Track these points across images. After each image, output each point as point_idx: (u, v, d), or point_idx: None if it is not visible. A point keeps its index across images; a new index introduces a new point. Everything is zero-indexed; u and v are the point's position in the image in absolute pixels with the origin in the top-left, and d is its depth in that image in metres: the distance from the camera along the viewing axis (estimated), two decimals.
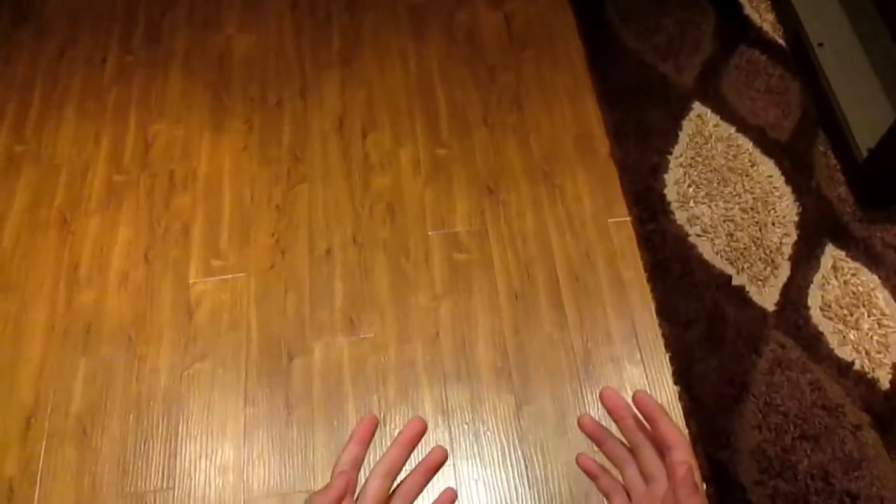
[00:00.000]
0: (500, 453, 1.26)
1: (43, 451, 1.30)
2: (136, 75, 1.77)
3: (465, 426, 1.29)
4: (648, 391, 1.28)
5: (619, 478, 0.60)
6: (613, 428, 0.61)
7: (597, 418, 0.63)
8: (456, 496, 0.60)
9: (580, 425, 0.63)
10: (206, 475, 1.27)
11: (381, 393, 1.33)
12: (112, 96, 1.73)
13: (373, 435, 0.59)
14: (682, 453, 0.54)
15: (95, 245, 1.52)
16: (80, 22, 1.87)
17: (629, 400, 0.60)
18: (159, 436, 1.31)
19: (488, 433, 1.28)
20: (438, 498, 0.61)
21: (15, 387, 1.37)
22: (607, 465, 0.62)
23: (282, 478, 1.26)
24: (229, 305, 1.43)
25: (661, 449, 0.56)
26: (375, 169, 1.59)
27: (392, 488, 0.59)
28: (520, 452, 1.26)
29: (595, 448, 0.62)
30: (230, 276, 1.47)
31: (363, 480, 0.58)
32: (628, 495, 0.58)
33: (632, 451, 0.59)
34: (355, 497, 0.56)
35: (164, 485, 1.26)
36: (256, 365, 1.37)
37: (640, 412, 0.58)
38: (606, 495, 0.60)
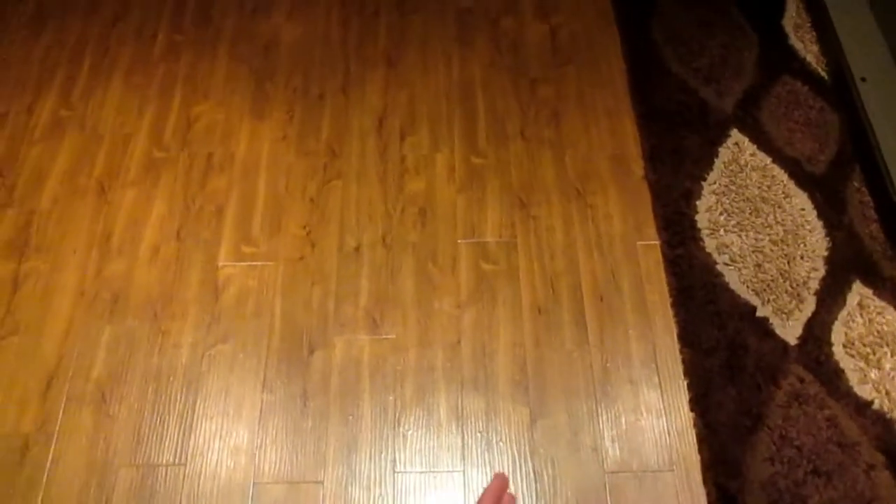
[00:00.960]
0: (510, 464, 1.27)
1: (61, 412, 1.33)
2: (185, 54, 1.79)
3: (479, 434, 1.30)
4: (662, 415, 1.29)
5: None
6: None
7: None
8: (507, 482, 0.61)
9: None
10: (217, 455, 1.29)
11: (397, 393, 1.34)
12: (160, 72, 1.76)
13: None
14: None
15: (130, 217, 1.55)
16: None
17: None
18: (175, 411, 1.33)
19: (500, 443, 1.29)
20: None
21: (40, 345, 1.40)
22: None
23: (292, 466, 1.27)
24: (256, 291, 1.45)
25: None
26: (411, 172, 1.60)
27: None
28: (530, 465, 1.27)
29: None
30: (259, 262, 1.48)
31: None
32: None
33: None
34: None
35: (176, 460, 1.28)
36: (277, 353, 1.38)
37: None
38: None
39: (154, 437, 1.31)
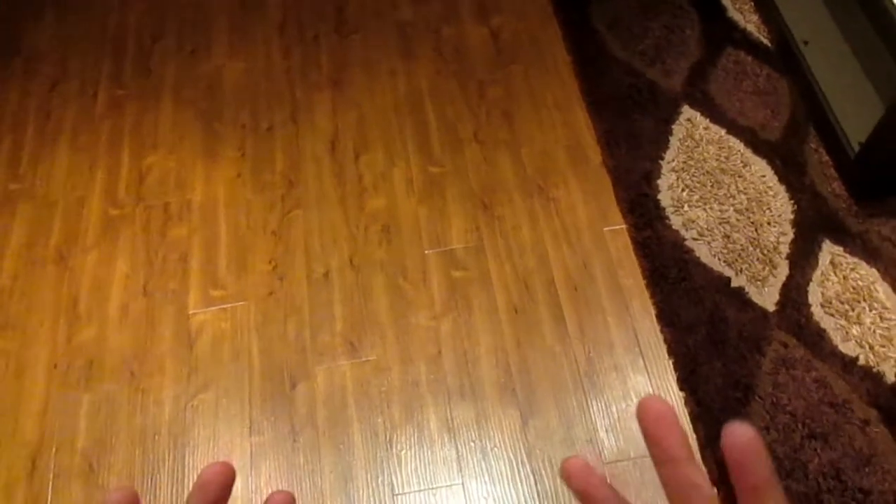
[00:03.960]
0: (508, 469, 1.26)
1: (50, 491, 1.29)
2: (128, 107, 1.77)
3: (472, 444, 1.28)
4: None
5: None
6: None
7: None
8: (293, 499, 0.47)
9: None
10: None
11: (385, 414, 1.32)
12: (105, 129, 1.74)
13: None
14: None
15: (93, 280, 1.52)
16: (70, 55, 1.88)
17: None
18: (166, 469, 1.31)
19: (496, 449, 1.28)
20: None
21: (19, 426, 1.36)
22: None
23: None
24: (230, 334, 1.43)
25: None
26: (369, 190, 1.59)
27: None
28: (528, 467, 1.25)
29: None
30: (230, 304, 1.46)
31: None
32: None
33: None
34: None
35: None
36: (260, 392, 1.36)
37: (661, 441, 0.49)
38: None
39: (148, 499, 1.28)
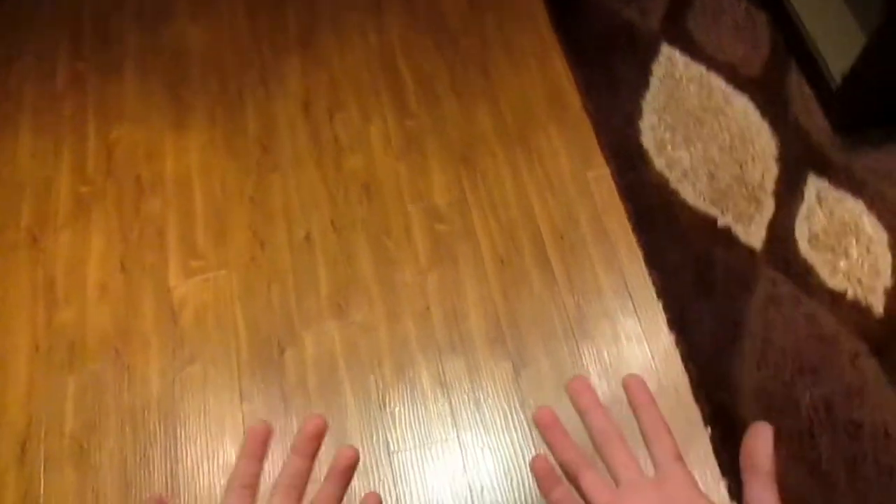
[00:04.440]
0: (502, 419, 1.25)
1: (42, 475, 1.28)
2: (90, 80, 1.71)
3: (465, 396, 1.27)
4: (643, 341, 1.28)
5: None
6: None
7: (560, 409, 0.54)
8: (380, 501, 0.52)
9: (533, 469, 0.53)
10: (209, 477, 1.26)
11: (377, 374, 1.31)
12: (67, 105, 1.68)
13: (266, 447, 0.50)
14: (673, 438, 0.49)
15: (69, 261, 1.49)
16: (25, 31, 1.81)
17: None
18: (158, 444, 1.29)
19: (489, 400, 1.27)
20: (336, 460, 0.52)
21: (5, 412, 1.34)
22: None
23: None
24: (213, 305, 1.40)
25: (646, 435, 0.49)
26: (346, 149, 1.55)
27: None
28: (522, 416, 1.25)
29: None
30: (211, 274, 1.44)
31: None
32: None
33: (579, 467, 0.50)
34: None
35: (169, 492, 1.25)
36: (248, 361, 1.34)
37: (630, 396, 0.52)
38: None
39: (142, 476, 1.27)
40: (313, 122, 1.59)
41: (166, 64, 1.72)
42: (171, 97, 1.67)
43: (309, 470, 0.50)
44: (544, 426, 0.52)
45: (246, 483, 0.49)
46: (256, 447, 0.50)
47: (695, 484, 0.46)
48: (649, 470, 0.48)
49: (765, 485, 0.45)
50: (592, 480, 0.48)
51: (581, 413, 0.51)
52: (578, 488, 0.49)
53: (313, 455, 0.50)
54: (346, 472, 0.51)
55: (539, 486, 0.51)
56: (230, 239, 1.47)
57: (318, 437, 0.50)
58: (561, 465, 0.50)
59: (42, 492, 1.26)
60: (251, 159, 1.56)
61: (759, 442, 0.46)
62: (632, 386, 0.52)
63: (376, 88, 1.62)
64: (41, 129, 1.66)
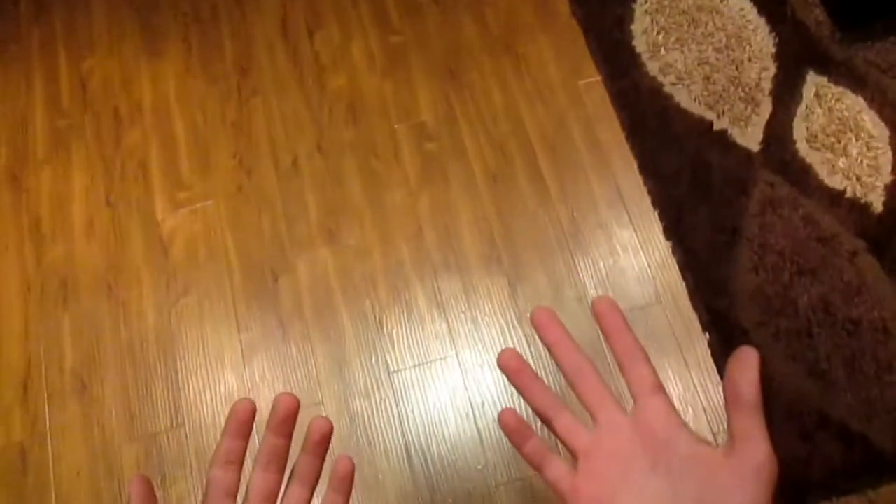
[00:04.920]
0: (500, 336, 1.25)
1: (47, 411, 1.28)
2: (55, 10, 1.63)
3: (462, 315, 1.27)
4: (640, 251, 1.27)
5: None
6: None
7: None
8: (353, 465, 0.50)
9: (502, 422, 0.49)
10: (212, 407, 1.27)
11: (372, 297, 1.30)
12: (35, 37, 1.61)
13: (250, 425, 0.49)
14: (650, 366, 0.46)
15: (52, 198, 1.46)
16: None
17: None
18: (159, 376, 1.29)
19: (486, 318, 1.26)
20: (333, 470, 0.51)
21: (3, 354, 1.34)
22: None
23: None
24: (203, 235, 1.38)
25: (621, 364, 0.47)
26: (328, 69, 1.50)
27: (287, 477, 0.50)
28: (519, 332, 1.25)
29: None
30: (198, 205, 1.41)
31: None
32: (571, 452, 0.47)
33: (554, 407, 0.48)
34: (243, 499, 0.48)
35: (174, 423, 1.26)
36: (242, 290, 1.33)
37: (601, 323, 0.48)
38: (538, 466, 0.47)
39: (146, 408, 1.27)
40: (292, 41, 1.53)
41: None
42: (142, 23, 1.59)
43: (286, 446, 0.49)
44: (512, 372, 0.48)
45: (231, 459, 0.48)
46: (240, 426, 0.48)
47: (676, 416, 0.44)
48: (628, 403, 0.46)
49: (750, 416, 0.41)
50: (567, 425, 0.47)
51: (549, 347, 0.48)
52: (554, 433, 0.47)
53: (289, 434, 0.49)
54: (322, 442, 0.49)
55: (511, 441, 0.48)
56: (215, 168, 1.44)
57: (290, 417, 0.49)
58: (534, 411, 0.48)
59: (48, 427, 1.27)
60: (230, 84, 1.51)
61: (744, 370, 0.42)
62: (602, 310, 0.47)
63: (356, 2, 1.55)
64: (9, 63, 1.59)
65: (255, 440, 0.48)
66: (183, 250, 1.38)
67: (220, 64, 1.53)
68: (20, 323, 1.36)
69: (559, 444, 0.47)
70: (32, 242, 1.42)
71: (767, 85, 1.40)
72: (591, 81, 1.42)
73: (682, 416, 0.44)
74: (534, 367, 0.48)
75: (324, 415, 1.22)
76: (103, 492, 1.22)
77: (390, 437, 1.21)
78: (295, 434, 0.50)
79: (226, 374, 1.28)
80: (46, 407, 1.29)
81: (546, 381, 0.48)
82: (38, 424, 1.28)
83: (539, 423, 0.49)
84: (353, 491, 1.11)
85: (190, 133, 1.48)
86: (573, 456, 0.46)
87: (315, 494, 0.50)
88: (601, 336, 0.47)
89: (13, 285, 1.39)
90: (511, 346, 1.24)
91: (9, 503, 1.23)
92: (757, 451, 0.40)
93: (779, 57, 1.41)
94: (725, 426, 0.44)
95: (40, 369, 1.32)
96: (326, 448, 0.50)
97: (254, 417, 0.49)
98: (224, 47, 1.55)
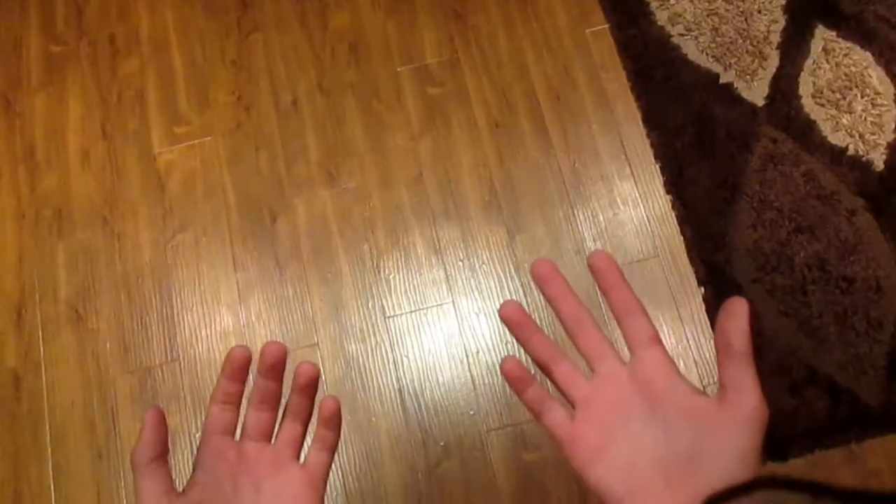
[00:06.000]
0: (497, 284, 1.26)
1: (41, 340, 1.29)
2: None
3: (460, 263, 1.27)
4: (640, 204, 1.27)
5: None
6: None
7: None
8: (338, 404, 0.51)
9: (504, 369, 0.49)
10: (207, 343, 1.27)
11: (370, 241, 1.30)
12: None
13: (245, 371, 0.50)
14: (646, 318, 0.46)
15: (47, 125, 1.43)
16: None
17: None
18: (154, 310, 1.30)
19: (484, 266, 1.27)
20: (319, 411, 0.52)
21: None
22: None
23: (284, 335, 1.26)
24: (201, 172, 1.37)
25: (619, 318, 0.47)
26: (331, 6, 1.46)
27: (280, 416, 0.52)
28: (517, 281, 1.25)
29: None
30: (196, 141, 1.39)
31: None
32: (570, 400, 0.47)
33: (553, 360, 0.48)
34: (240, 435, 0.50)
35: (168, 357, 1.27)
36: (240, 229, 1.33)
37: (598, 278, 0.47)
38: (537, 413, 0.48)
39: (141, 341, 1.28)
40: None
41: None
42: None
43: (278, 388, 0.51)
44: (514, 324, 0.49)
45: (228, 399, 0.50)
46: (234, 372, 0.49)
47: (673, 367, 0.45)
48: (626, 353, 0.47)
49: (741, 366, 0.42)
50: (566, 373, 0.47)
51: (549, 300, 0.48)
52: (553, 382, 0.48)
53: (279, 377, 0.50)
54: (309, 385, 0.51)
55: (512, 388, 0.48)
56: (214, 104, 1.41)
57: (278, 365, 0.50)
58: (534, 361, 0.49)
59: (42, 355, 1.28)
60: (230, 18, 1.47)
61: (735, 321, 0.42)
62: (598, 265, 0.47)
63: None
64: None
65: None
66: (180, 186, 1.36)
67: None
68: (14, 250, 1.35)
69: (558, 394, 0.48)
70: (26, 169, 1.40)
71: (776, 38, 1.38)
72: (599, 30, 1.40)
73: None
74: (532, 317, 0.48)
75: (316, 358, 1.24)
76: (97, 422, 1.23)
77: (384, 380, 1.22)
78: (288, 376, 0.51)
79: (221, 312, 1.29)
80: (41, 335, 1.29)
81: (545, 332, 0.48)
82: (32, 353, 1.28)
83: (539, 374, 0.49)
84: (347, 432, 1.13)
85: (188, 67, 1.44)
86: (572, 405, 0.47)
87: (308, 433, 0.52)
88: (597, 289, 0.47)
89: (7, 211, 1.38)
90: (508, 294, 1.25)
91: (3, 428, 1.25)
92: (748, 399, 0.41)
93: (789, 9, 1.39)
94: (716, 379, 0.45)
95: (34, 298, 1.32)
96: (315, 389, 0.51)
97: (248, 364, 0.50)
98: None
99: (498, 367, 1.21)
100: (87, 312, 1.30)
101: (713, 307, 1.20)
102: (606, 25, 1.40)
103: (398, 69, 1.40)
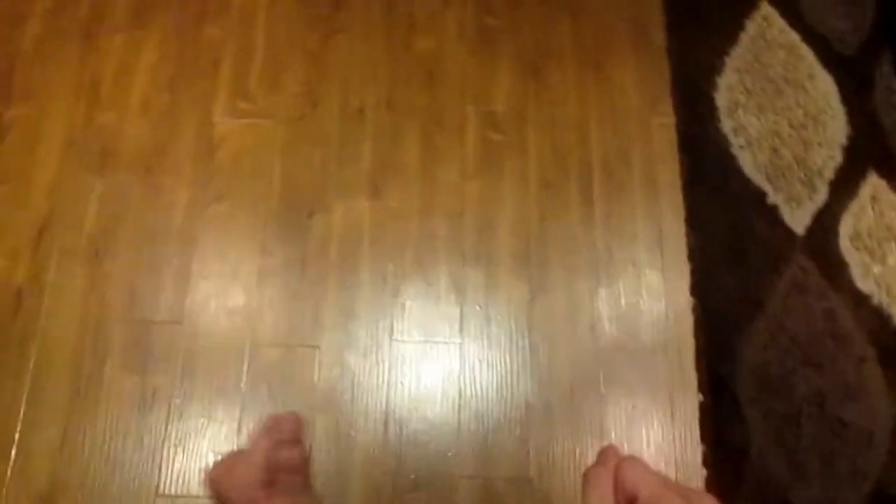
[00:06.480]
0: (507, 338, 1.27)
1: (54, 265, 1.30)
2: None
3: (478, 307, 1.29)
4: (662, 298, 1.29)
5: None
6: None
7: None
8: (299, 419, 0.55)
9: None
10: (214, 315, 1.28)
11: (396, 262, 1.32)
12: None
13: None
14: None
15: (119, 65, 1.46)
16: None
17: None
18: (171, 269, 1.31)
19: (499, 317, 1.28)
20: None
21: (29, 194, 1.35)
22: None
23: (289, 329, 1.27)
24: (253, 150, 1.39)
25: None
26: (419, 29, 1.49)
27: None
28: (527, 340, 1.27)
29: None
30: (257, 120, 1.41)
31: None
32: None
33: None
34: None
35: (172, 318, 1.28)
36: (276, 215, 1.35)
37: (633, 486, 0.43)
38: None
39: (149, 295, 1.29)
40: None
41: None
42: None
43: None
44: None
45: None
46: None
47: None
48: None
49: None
50: None
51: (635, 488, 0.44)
52: None
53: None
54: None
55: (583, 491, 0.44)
56: (283, 89, 1.44)
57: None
58: None
59: (50, 281, 1.29)
60: (321, 12, 1.50)
61: (630, 473, 0.41)
62: (631, 476, 0.43)
63: None
64: None
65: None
66: (229, 158, 1.39)
67: None
68: (53, 173, 1.37)
69: None
70: (87, 101, 1.43)
71: (829, 173, 1.41)
72: (665, 122, 1.43)
73: (654, 466, 0.43)
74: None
75: (314, 360, 1.25)
76: (84, 361, 1.24)
77: (374, 399, 1.23)
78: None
79: (236, 289, 1.30)
80: (55, 262, 1.31)
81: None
82: (41, 275, 1.30)
83: None
84: (324, 438, 1.12)
85: (269, 47, 1.48)
86: None
87: None
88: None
89: (58, 135, 1.40)
90: (515, 351, 1.27)
91: None
92: None
93: (848, 149, 1.42)
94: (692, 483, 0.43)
95: (59, 223, 1.33)
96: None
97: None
98: None
99: (486, 417, 1.22)
100: (105, 253, 1.32)
101: (707, 416, 1.22)
102: (673, 119, 1.43)
103: (467, 107, 1.43)
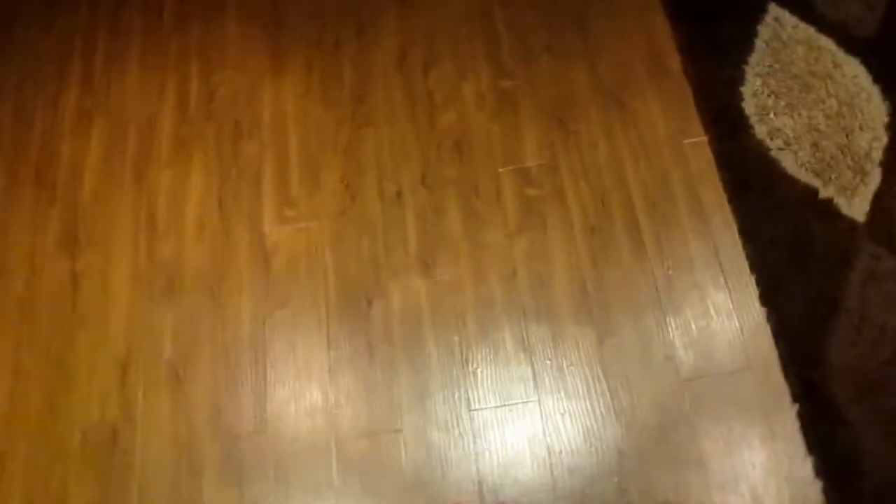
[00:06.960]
0: (584, 386, 1.26)
1: (141, 398, 1.37)
2: (193, 24, 1.75)
3: (548, 362, 1.29)
4: (733, 315, 1.26)
5: None
6: None
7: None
8: None
9: None
10: (295, 418, 1.31)
11: (461, 333, 1.33)
12: (172, 47, 1.73)
13: None
14: None
15: (170, 196, 1.56)
16: None
17: None
18: (248, 382, 1.36)
19: (571, 367, 1.28)
20: None
21: (109, 337, 1.43)
22: None
23: (370, 418, 1.29)
24: (305, 253, 1.45)
25: None
26: (440, 106, 1.55)
27: None
28: (604, 384, 1.25)
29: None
30: (304, 224, 1.48)
31: None
32: None
33: None
34: None
35: (256, 428, 1.31)
36: (336, 309, 1.39)
37: None
38: None
39: (231, 410, 1.34)
40: (408, 75, 1.59)
41: (266, 11, 1.74)
42: (270, 44, 1.69)
43: None
44: None
45: None
46: None
47: None
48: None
49: None
50: None
51: None
52: None
53: None
54: None
55: None
56: (323, 189, 1.50)
57: None
58: None
59: (139, 413, 1.35)
60: (346, 111, 1.57)
61: None
62: None
63: (472, 44, 1.60)
64: (147, 68, 1.71)
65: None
66: (284, 264, 1.44)
67: (337, 91, 1.60)
68: (126, 311, 1.45)
69: None
70: (147, 236, 1.52)
71: (877, 155, 1.37)
72: (697, 141, 1.43)
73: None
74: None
75: (399, 444, 1.26)
76: (182, 484, 1.29)
77: (464, 471, 1.23)
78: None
79: (311, 388, 1.33)
80: (141, 394, 1.37)
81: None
82: (131, 409, 1.36)
83: None
84: None
85: (303, 153, 1.55)
86: None
87: None
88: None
89: (125, 275, 1.49)
90: (594, 397, 1.25)
91: (95, 477, 1.31)
92: None
93: (892, 127, 1.39)
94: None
95: (139, 357, 1.40)
96: None
97: None
98: (343, 75, 1.62)
99: (580, 470, 1.20)
100: (185, 376, 1.38)
101: (808, 425, 1.17)
102: (705, 137, 1.43)
103: (499, 169, 1.46)
